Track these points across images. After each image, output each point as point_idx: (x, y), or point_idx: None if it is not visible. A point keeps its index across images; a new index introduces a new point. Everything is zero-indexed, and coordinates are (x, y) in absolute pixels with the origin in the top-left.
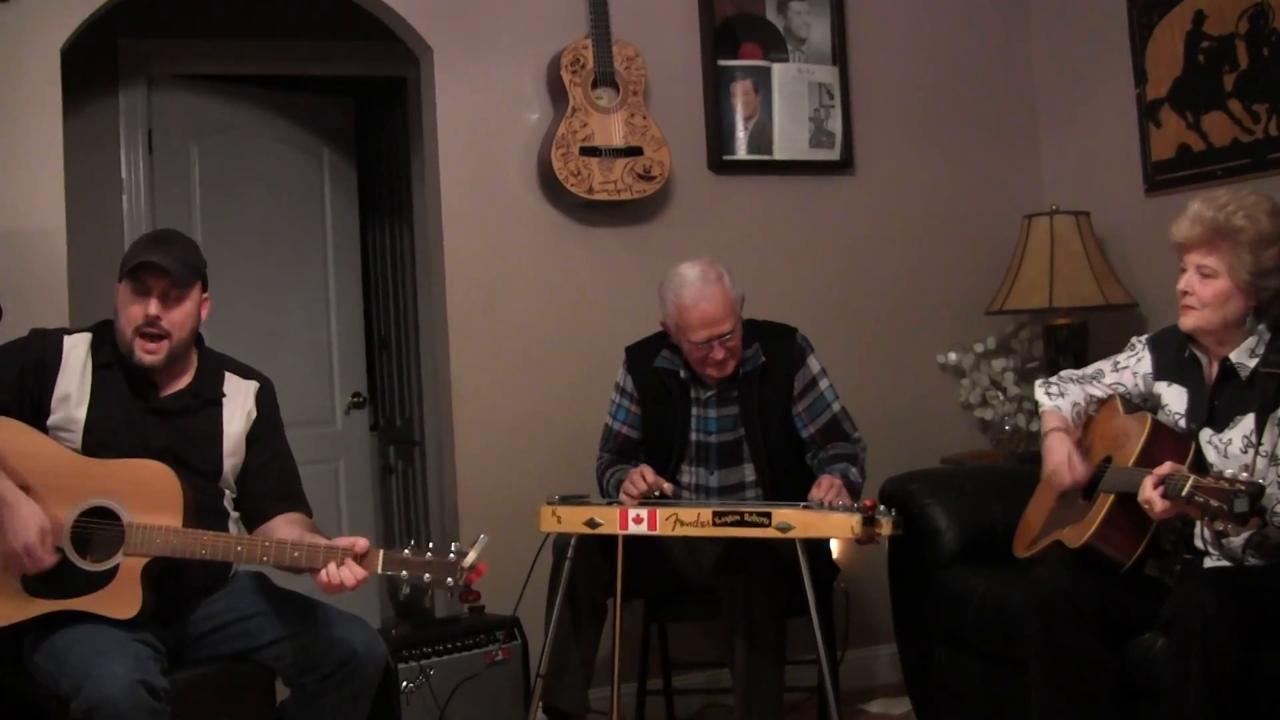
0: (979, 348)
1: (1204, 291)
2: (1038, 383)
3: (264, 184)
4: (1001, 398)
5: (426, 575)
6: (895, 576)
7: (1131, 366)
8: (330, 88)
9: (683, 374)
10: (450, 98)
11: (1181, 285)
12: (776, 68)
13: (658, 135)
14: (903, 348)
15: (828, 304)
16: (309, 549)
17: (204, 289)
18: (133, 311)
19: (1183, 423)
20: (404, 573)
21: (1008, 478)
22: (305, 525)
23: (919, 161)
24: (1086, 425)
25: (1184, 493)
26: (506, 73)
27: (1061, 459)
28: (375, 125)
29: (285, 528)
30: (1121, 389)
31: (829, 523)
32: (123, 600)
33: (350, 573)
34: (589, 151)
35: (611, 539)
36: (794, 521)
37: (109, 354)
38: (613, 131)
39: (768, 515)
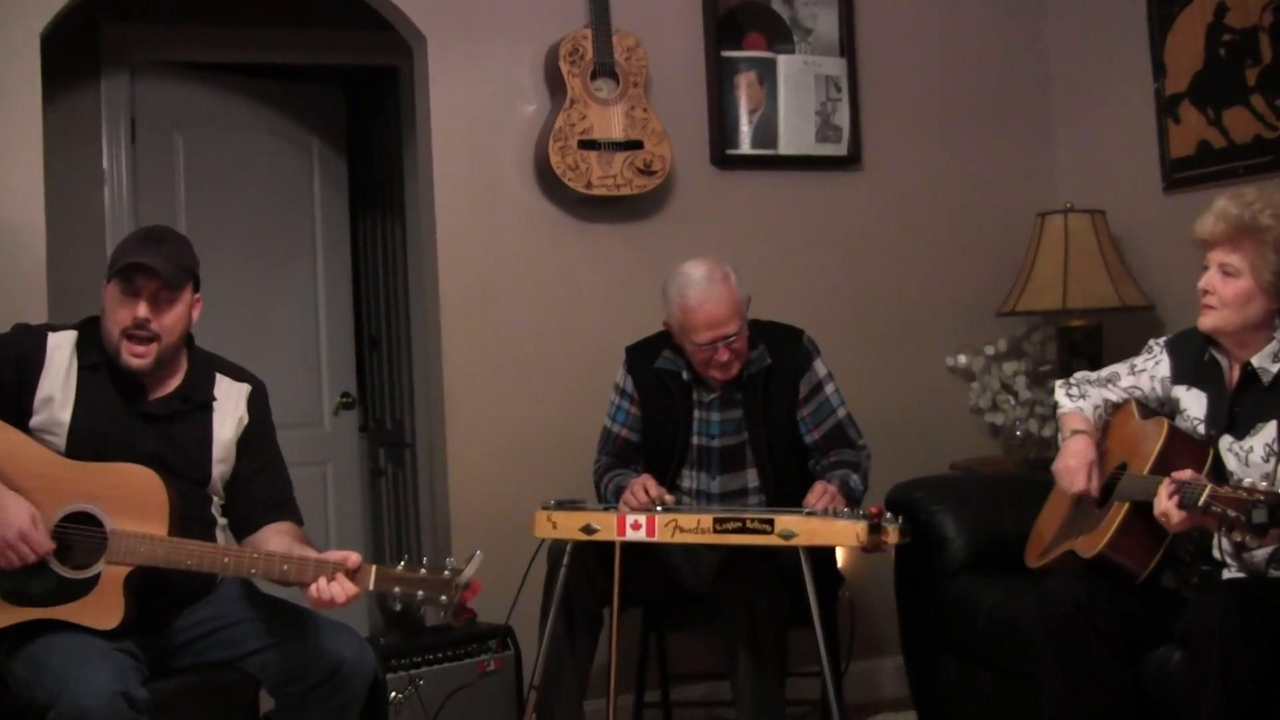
0: (990, 350)
1: (1225, 291)
2: (1058, 384)
3: (251, 176)
4: (1013, 402)
5: (420, 593)
6: (902, 586)
7: (1149, 370)
8: (321, 77)
9: (685, 375)
10: (444, 88)
11: (1202, 283)
12: (782, 59)
13: (659, 128)
14: (910, 349)
15: (833, 304)
16: (299, 563)
17: (196, 289)
18: (121, 313)
19: (1201, 429)
20: (396, 590)
21: (1019, 485)
22: (296, 535)
23: (929, 157)
24: (1102, 430)
25: (1200, 502)
26: (503, 63)
27: (1081, 464)
28: (367, 116)
29: (275, 538)
30: (1138, 393)
31: (833, 530)
32: (104, 610)
33: (341, 589)
34: (587, 145)
35: (608, 545)
36: (797, 529)
37: (95, 354)
38: (612, 124)
39: (770, 522)
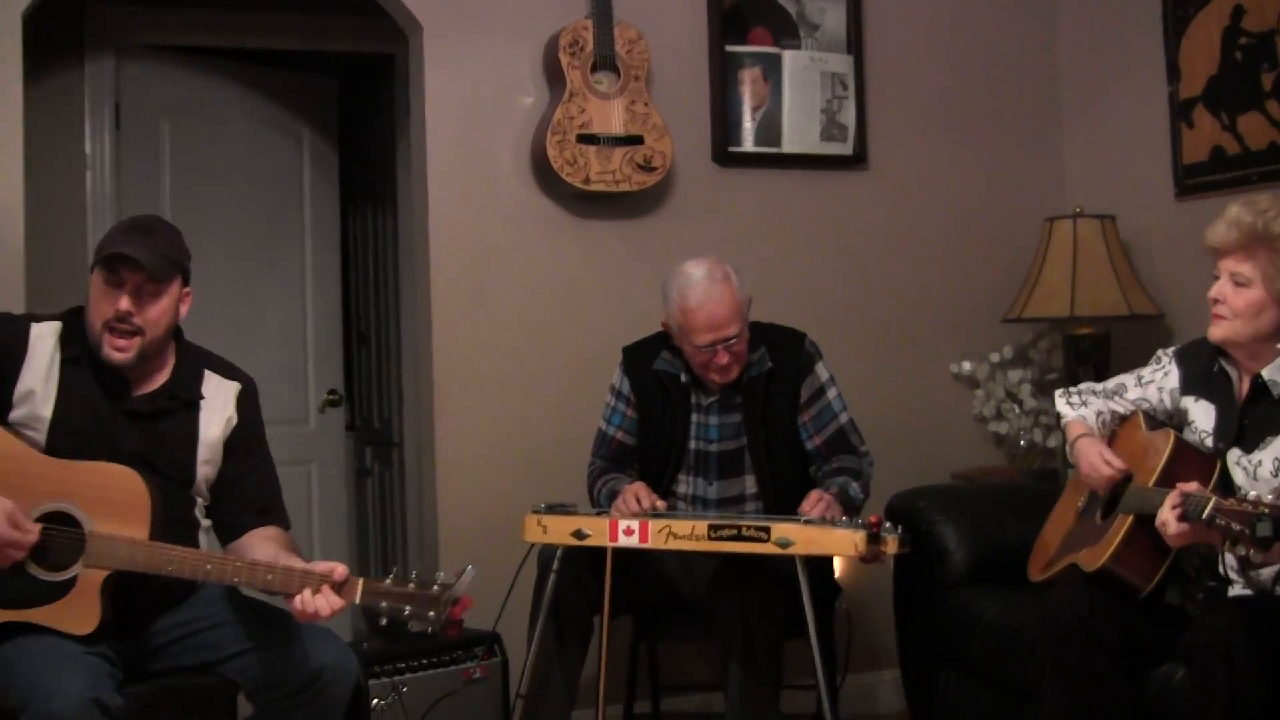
0: (995, 357)
1: (1236, 301)
2: (1058, 393)
3: (239, 166)
4: (1017, 411)
5: (408, 608)
6: (901, 598)
7: (1157, 381)
8: (312, 65)
9: (683, 378)
10: (440, 78)
11: (1213, 293)
12: (787, 55)
13: (660, 124)
14: (913, 355)
15: (835, 307)
16: (283, 573)
17: (185, 283)
18: (104, 304)
19: (1209, 441)
20: (383, 604)
21: (1022, 495)
22: (282, 542)
23: (936, 158)
24: (1107, 442)
25: (1204, 514)
26: (500, 53)
27: (1096, 458)
28: (359, 106)
29: (261, 545)
30: (1145, 405)
31: (831, 539)
32: (80, 614)
33: (326, 602)
34: (586, 139)
35: (600, 551)
36: (794, 537)
37: (78, 347)
38: (612, 118)
39: (767, 530)
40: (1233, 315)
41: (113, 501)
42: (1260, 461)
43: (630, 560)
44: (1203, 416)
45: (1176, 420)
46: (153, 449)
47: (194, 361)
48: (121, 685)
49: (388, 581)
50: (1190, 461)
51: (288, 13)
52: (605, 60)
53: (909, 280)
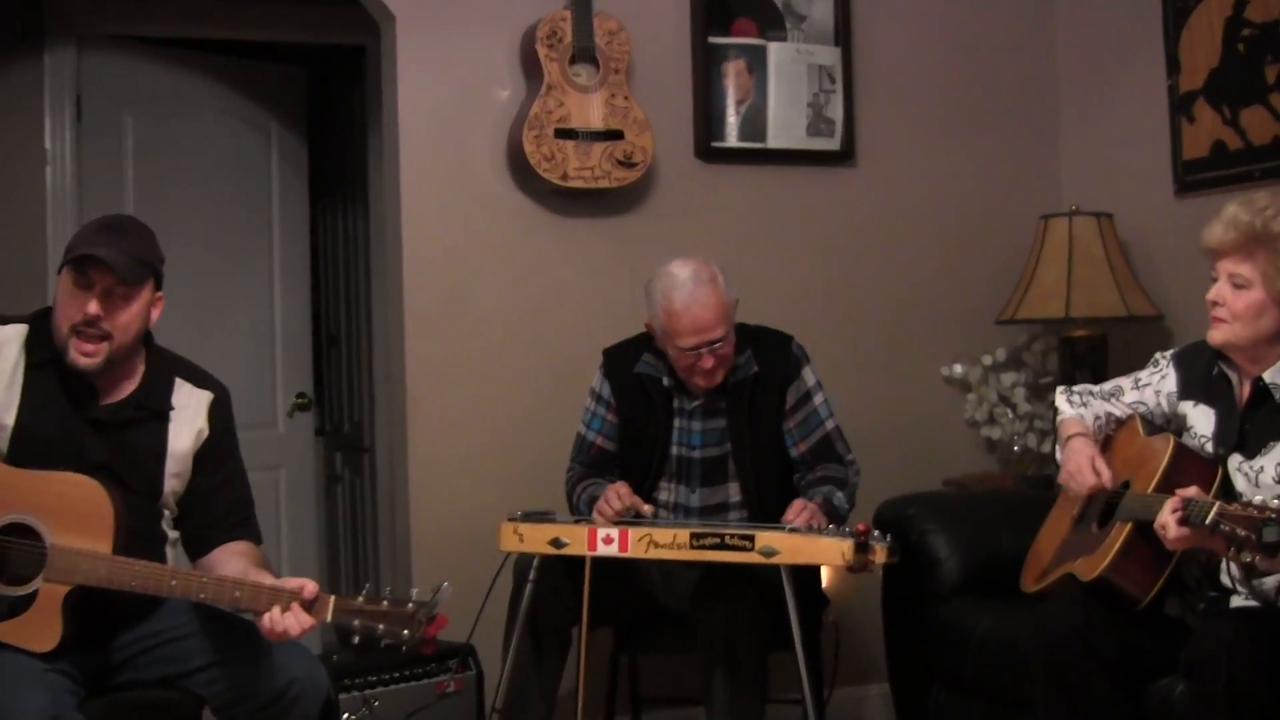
0: (987, 360)
1: (1236, 303)
2: (1059, 389)
3: (205, 160)
4: (1011, 415)
5: (381, 626)
6: (890, 609)
7: (1154, 384)
8: (281, 55)
9: (666, 381)
10: (413, 70)
11: (1212, 295)
12: (773, 47)
13: (641, 118)
14: (903, 358)
15: (822, 308)
16: (251, 589)
17: (158, 287)
18: (71, 307)
19: (1209, 447)
20: (355, 622)
21: (1016, 503)
22: (252, 557)
23: (927, 154)
24: (1104, 447)
25: (1208, 520)
26: (475, 44)
27: (1084, 461)
28: (330, 98)
29: (230, 560)
30: (1143, 409)
31: (818, 548)
32: (40, 631)
33: (296, 620)
34: (565, 134)
35: (578, 561)
36: (780, 546)
37: (45, 352)
38: (591, 112)
39: (751, 538)
40: (1232, 318)
41: (75, 514)
42: (1262, 468)
43: (610, 570)
44: (1202, 421)
45: (1174, 425)
46: (119, 460)
47: (165, 369)
48: (84, 700)
49: (360, 599)
50: (1190, 467)
51: (255, 2)
52: (584, 52)
53: (899, 280)
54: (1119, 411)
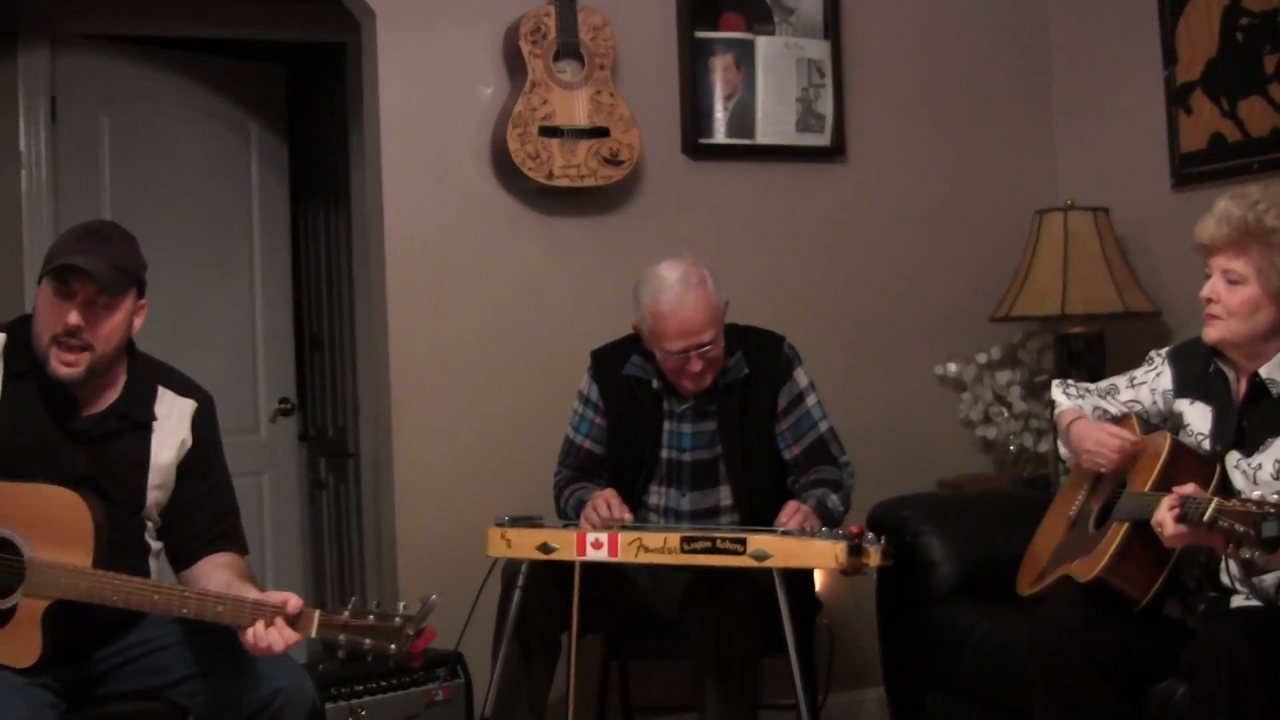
0: (982, 358)
1: (1230, 299)
2: (1055, 382)
3: (183, 160)
4: (1006, 414)
5: (367, 641)
6: (884, 613)
7: (1150, 383)
8: (260, 53)
9: (655, 383)
10: (394, 68)
11: (1205, 292)
12: (761, 41)
13: (627, 115)
14: (897, 357)
15: (813, 307)
16: (234, 604)
17: (140, 295)
18: (51, 317)
19: (1206, 445)
20: (341, 637)
21: (1012, 504)
22: (237, 569)
23: (919, 148)
24: None
25: (1205, 516)
26: (458, 41)
27: (1099, 433)
28: (310, 97)
29: (214, 572)
30: (1138, 408)
31: (811, 551)
32: (20, 646)
33: (280, 636)
34: (549, 132)
35: (567, 566)
36: (772, 549)
37: (24, 361)
38: (576, 110)
39: (742, 542)
40: (1227, 315)
41: (55, 527)
42: (1260, 464)
43: (599, 575)
44: (1198, 419)
45: (1171, 424)
46: (101, 473)
47: (147, 377)
48: (66, 713)
49: (346, 614)
50: (1188, 465)
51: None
52: (569, 48)
53: (891, 278)
54: (1115, 410)
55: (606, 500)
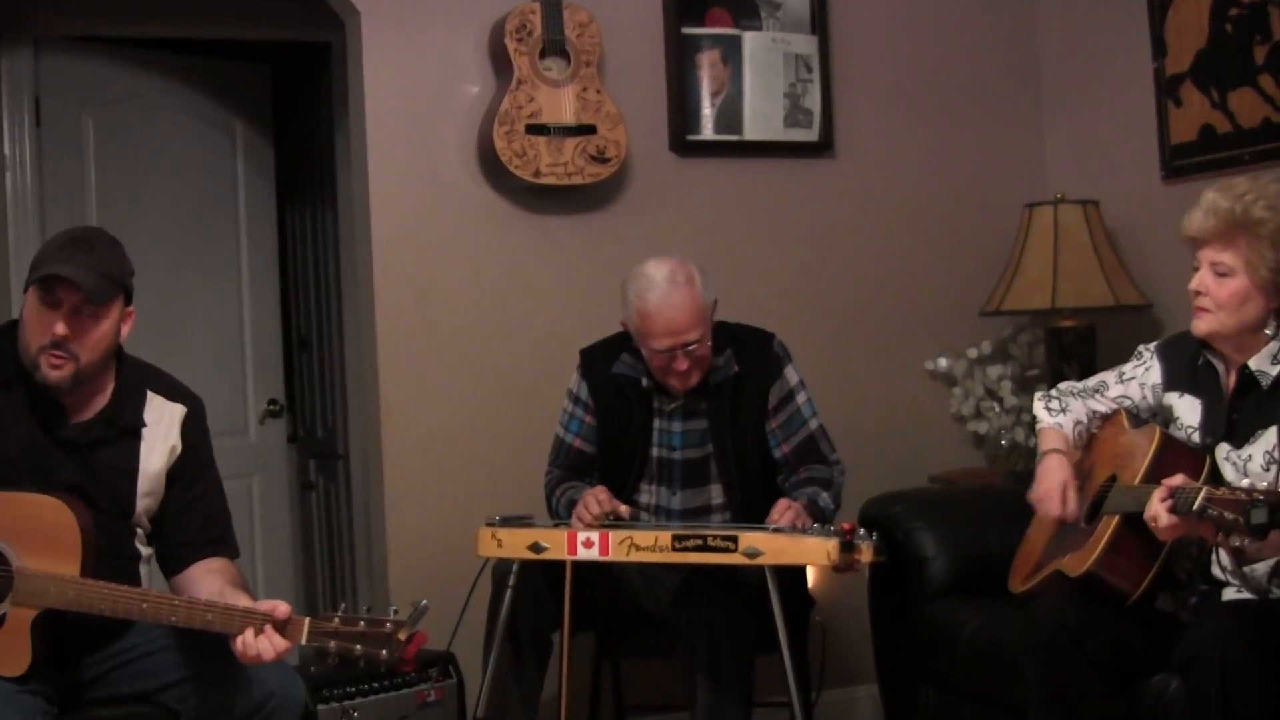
0: (973, 353)
1: (1219, 292)
2: (1037, 395)
3: (168, 162)
4: (997, 409)
5: (358, 647)
6: (877, 609)
7: (1139, 378)
8: (244, 53)
9: (645, 382)
10: (380, 67)
11: (1194, 285)
12: (748, 37)
13: (613, 112)
14: (887, 352)
15: (802, 303)
16: (223, 612)
17: (128, 302)
18: (40, 327)
19: (1196, 437)
20: (332, 644)
21: (1004, 499)
22: (228, 575)
23: (907, 143)
24: (1089, 444)
25: (1195, 506)
26: (443, 40)
27: (1053, 486)
28: (295, 96)
29: (205, 578)
30: (1128, 403)
31: (803, 548)
32: (9, 655)
33: (269, 644)
34: (536, 130)
35: (558, 565)
36: (763, 547)
37: (10, 368)
38: (563, 107)
39: (734, 539)
40: (1216, 307)
41: (42, 536)
42: (1250, 456)
43: (591, 574)
44: (1188, 412)
45: (1161, 417)
46: (89, 480)
47: (136, 382)
48: (58, 718)
49: (336, 620)
50: (1177, 458)
51: None
52: (554, 45)
53: (880, 273)
54: (1103, 407)
55: (596, 497)
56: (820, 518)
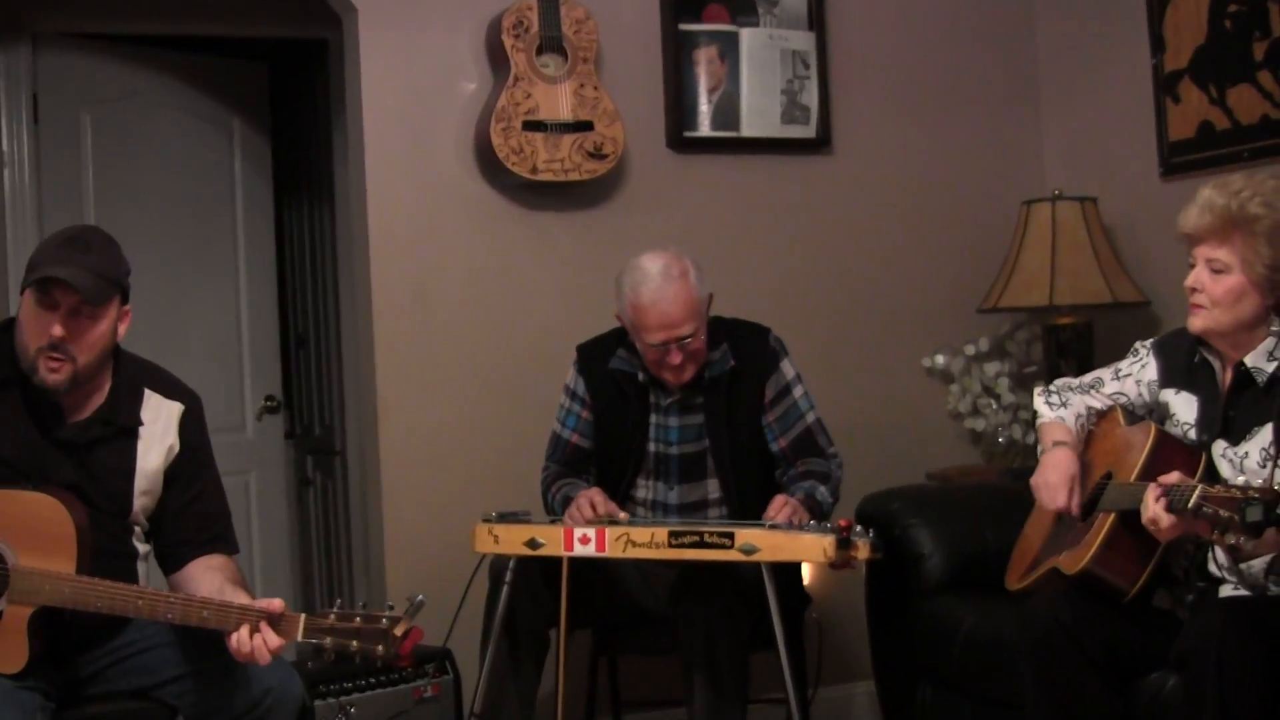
0: (970, 350)
1: (1215, 289)
2: (1036, 390)
3: (166, 158)
4: (995, 406)
5: (354, 643)
6: (874, 606)
7: (1135, 374)
8: (242, 50)
9: (641, 377)
10: (377, 63)
11: (1190, 281)
12: (745, 33)
13: (610, 108)
14: (884, 349)
15: (800, 299)
16: (219, 610)
17: (124, 301)
18: (37, 329)
19: (1192, 434)
20: (328, 641)
21: (1001, 496)
22: (226, 571)
23: (905, 139)
24: (1086, 440)
25: (1190, 504)
26: (440, 36)
27: (1063, 479)
28: (292, 94)
29: (203, 575)
30: (1123, 399)
31: (799, 545)
32: (6, 653)
33: (265, 642)
34: (533, 126)
35: (555, 562)
36: (760, 543)
37: (7, 369)
38: (560, 104)
39: (730, 536)
40: (1211, 304)
41: (38, 534)
42: (1247, 453)
43: (587, 570)
44: (1184, 409)
45: (1157, 414)
46: (86, 480)
47: (133, 380)
48: (56, 713)
49: (332, 617)
50: (1173, 455)
51: None
52: (551, 42)
53: (877, 270)
54: (1099, 404)
55: (591, 500)
56: (818, 512)
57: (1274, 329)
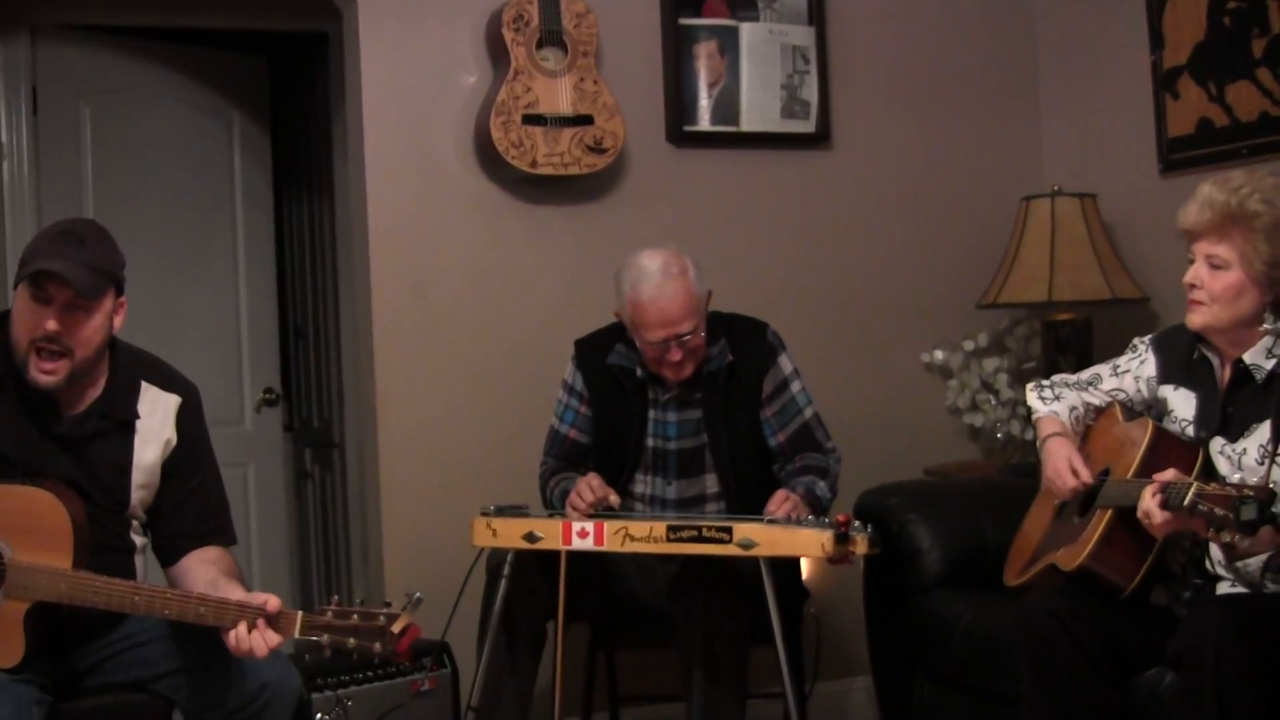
0: (969, 345)
1: (1214, 285)
2: (1029, 386)
3: (165, 151)
4: (993, 402)
5: (351, 640)
6: (872, 601)
7: (1133, 370)
8: (241, 43)
9: (639, 372)
10: (376, 57)
11: (1189, 278)
12: (745, 27)
13: (610, 102)
14: (883, 344)
15: (798, 294)
16: (216, 606)
17: (119, 293)
18: (30, 323)
19: (1190, 431)
20: (325, 638)
21: (999, 492)
22: (223, 565)
23: (904, 135)
24: (1083, 437)
25: (1186, 501)
26: (440, 29)
27: (1062, 463)
28: (292, 87)
29: (200, 568)
30: (1122, 396)
31: (797, 540)
32: (2, 648)
33: (262, 639)
34: (533, 120)
35: (553, 555)
36: (758, 538)
37: (3, 364)
38: (560, 97)
39: (729, 531)
40: (1211, 300)
41: (34, 529)
42: (1245, 450)
43: (585, 564)
44: (1183, 405)
45: (1155, 410)
46: (83, 475)
47: (130, 373)
48: (53, 705)
49: (330, 614)
50: (1171, 451)
51: None
52: (551, 36)
53: (876, 265)
54: (1097, 400)
55: (589, 484)
56: (817, 507)
57: (1266, 326)
